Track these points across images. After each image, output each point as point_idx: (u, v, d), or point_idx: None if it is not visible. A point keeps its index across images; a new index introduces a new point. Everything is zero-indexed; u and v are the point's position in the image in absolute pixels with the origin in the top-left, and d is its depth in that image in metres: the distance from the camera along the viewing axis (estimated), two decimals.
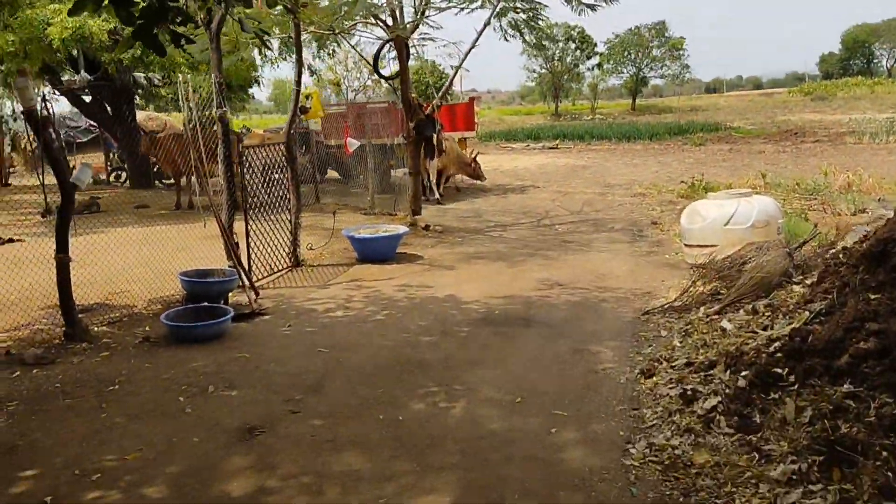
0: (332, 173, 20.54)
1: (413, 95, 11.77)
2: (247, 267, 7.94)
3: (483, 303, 7.32)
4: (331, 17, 9.66)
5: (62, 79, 17.93)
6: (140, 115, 25.43)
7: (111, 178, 21.91)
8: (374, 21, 11.08)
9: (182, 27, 4.26)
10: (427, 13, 11.24)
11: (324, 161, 20.01)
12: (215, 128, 7.77)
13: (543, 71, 63.40)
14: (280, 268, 8.73)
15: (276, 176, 9.35)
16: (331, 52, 21.36)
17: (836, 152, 23.90)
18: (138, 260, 8.64)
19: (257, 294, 7.52)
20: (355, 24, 11.34)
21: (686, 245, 8.92)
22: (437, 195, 16.39)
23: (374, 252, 9.24)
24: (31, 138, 30.74)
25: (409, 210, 12.23)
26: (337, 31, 11.41)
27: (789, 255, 6.40)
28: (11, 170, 30.85)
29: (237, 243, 7.89)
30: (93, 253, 8.00)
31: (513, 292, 7.73)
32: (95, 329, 6.45)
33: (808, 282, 5.68)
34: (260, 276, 8.28)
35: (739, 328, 5.31)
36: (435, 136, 11.99)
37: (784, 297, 5.67)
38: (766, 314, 5.36)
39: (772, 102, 65.43)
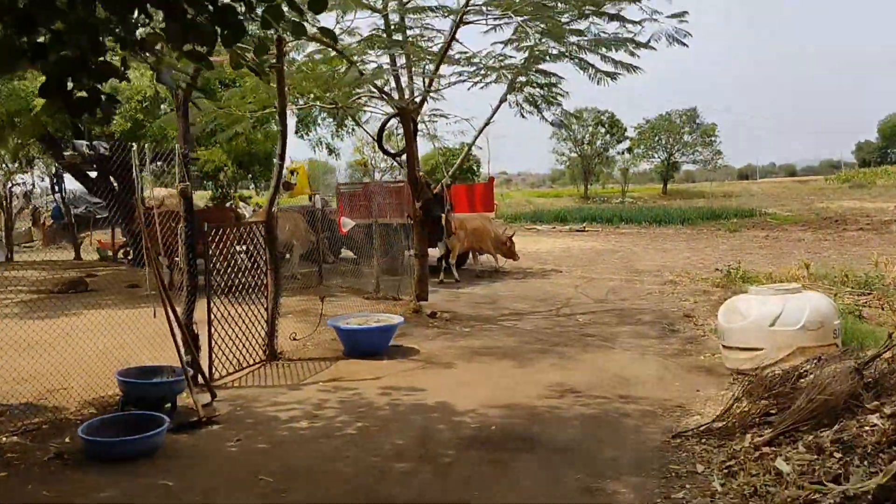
0: (347, 253, 19.75)
1: (420, 173, 10.85)
2: (208, 361, 6.84)
3: (479, 414, 6.08)
4: (323, 87, 8.85)
5: (65, 153, 17.44)
6: (163, 192, 25.00)
7: (119, 255, 21.31)
8: (377, 94, 10.27)
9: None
10: (436, 87, 10.43)
11: (337, 241, 19.19)
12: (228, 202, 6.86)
13: (573, 154, 63.15)
14: (252, 362, 7.61)
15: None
16: (350, 129, 20.78)
17: (883, 241, 22.45)
18: (97, 350, 7.53)
19: (213, 396, 6.38)
20: (359, 98, 10.54)
21: (724, 346, 7.63)
22: (454, 276, 15.37)
23: (364, 345, 8.09)
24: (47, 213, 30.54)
25: (414, 295, 11.13)
26: (340, 104, 10.63)
27: (857, 370, 5.10)
28: (29, 244, 30.68)
29: (197, 335, 6.81)
30: (51, 339, 6.99)
31: (516, 400, 6.48)
32: (3, 440, 5.34)
33: (887, 410, 4.39)
34: (224, 373, 7.16)
35: (801, 473, 4.02)
36: (443, 216, 10.98)
37: (856, 429, 4.37)
38: (836, 455, 4.06)
39: (807, 189, 64.17)
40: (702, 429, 5.46)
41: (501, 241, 16.64)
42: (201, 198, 31.40)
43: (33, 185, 29.05)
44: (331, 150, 21.48)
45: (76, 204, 32.25)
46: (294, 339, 8.56)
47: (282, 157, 7.74)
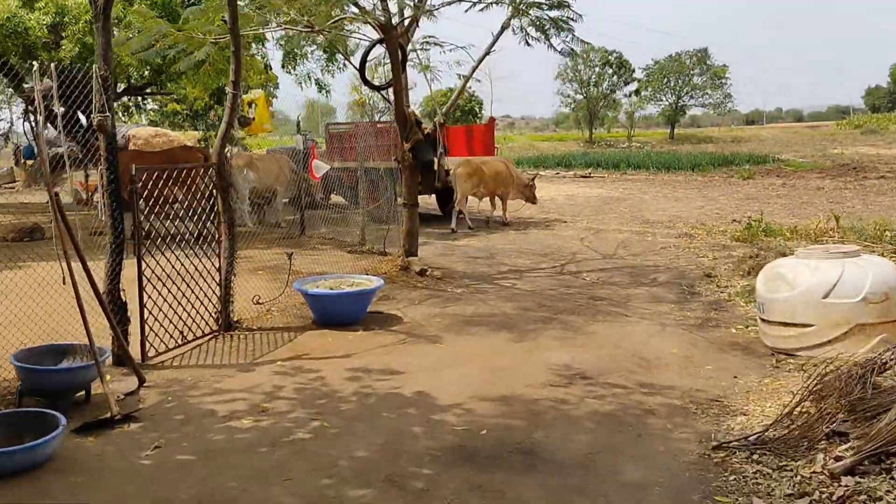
0: (338, 199, 18.47)
1: (410, 110, 9.45)
2: (141, 336, 5.62)
3: (466, 410, 4.86)
4: (295, 5, 7.41)
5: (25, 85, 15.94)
6: (147, 131, 23.57)
7: (95, 198, 20.01)
8: (359, 15, 8.80)
9: None
10: (428, 4, 8.94)
11: (328, 185, 17.87)
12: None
13: (579, 96, 61.11)
14: (200, 334, 6.38)
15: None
16: (341, 66, 19.18)
17: None
18: (18, 316, 6.27)
19: (142, 381, 5.16)
20: (338, 21, 9.07)
21: (764, 320, 6.38)
22: (454, 226, 14.16)
23: (335, 313, 6.85)
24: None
25: (403, 249, 9.88)
26: (318, 27, 9.16)
27: None
28: (11, 185, 29.32)
29: (125, 302, 5.57)
30: None
31: (513, 389, 5.26)
32: None
33: None
34: (163, 348, 5.93)
35: None
36: (436, 161, 9.61)
37: None
38: None
39: (818, 135, 62.33)
40: (752, 438, 4.25)
41: (524, 185, 15.56)
42: (191, 139, 29.91)
43: (11, 123, 27.57)
44: (320, 87, 19.93)
45: (58, 143, 30.53)
46: (258, 303, 7.32)
47: (235, 86, 6.35)
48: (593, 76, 59.03)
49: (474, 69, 9.65)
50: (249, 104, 7.43)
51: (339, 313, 6.76)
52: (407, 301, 7.98)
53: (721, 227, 14.60)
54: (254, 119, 7.42)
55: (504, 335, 6.73)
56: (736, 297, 8.50)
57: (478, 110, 59.31)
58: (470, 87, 55.69)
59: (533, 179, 15.92)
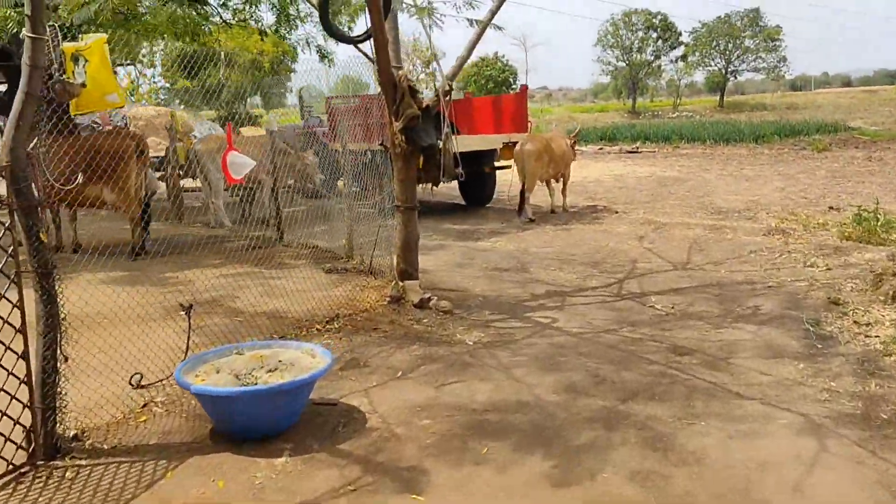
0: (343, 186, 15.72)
1: (401, 73, 6.52)
2: None
3: None
4: None
5: None
6: (148, 111, 21.03)
7: None
8: None
9: None
10: None
11: (332, 171, 15.08)
12: None
13: (620, 64, 57.14)
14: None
15: None
16: (347, 27, 16.14)
17: None
18: None
19: None
20: None
21: None
22: (528, 215, 11.90)
23: (246, 421, 3.99)
24: None
25: (397, 269, 7.01)
26: None
27: None
28: None
29: None
30: None
31: None
32: None
33: None
34: None
35: None
36: (442, 144, 6.66)
37: None
38: None
39: (879, 100, 57.42)
40: None
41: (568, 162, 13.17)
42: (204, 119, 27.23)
43: None
44: (323, 55, 16.95)
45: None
46: (139, 387, 4.52)
47: (35, 25, 3.45)
48: (636, 41, 55.01)
49: (494, 12, 6.63)
50: (76, 59, 4.53)
51: (252, 420, 3.92)
52: (384, 371, 5.07)
53: (817, 217, 11.45)
54: (83, 86, 4.46)
55: (538, 465, 3.75)
56: (894, 345, 5.53)
57: (512, 81, 55.93)
58: (503, 55, 52.21)
59: (575, 137, 13.27)
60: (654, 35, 54.67)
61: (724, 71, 58.25)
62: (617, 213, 12.78)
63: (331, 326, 5.72)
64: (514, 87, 57.39)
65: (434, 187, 8.25)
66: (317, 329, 5.67)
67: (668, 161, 22.92)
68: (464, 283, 8.06)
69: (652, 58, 56.14)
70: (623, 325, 6.37)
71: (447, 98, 6.55)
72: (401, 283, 6.84)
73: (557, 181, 13.06)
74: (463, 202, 14.66)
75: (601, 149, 28.45)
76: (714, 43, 57.69)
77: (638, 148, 27.23)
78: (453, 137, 6.63)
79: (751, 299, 7.14)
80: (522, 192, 12.20)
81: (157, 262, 8.13)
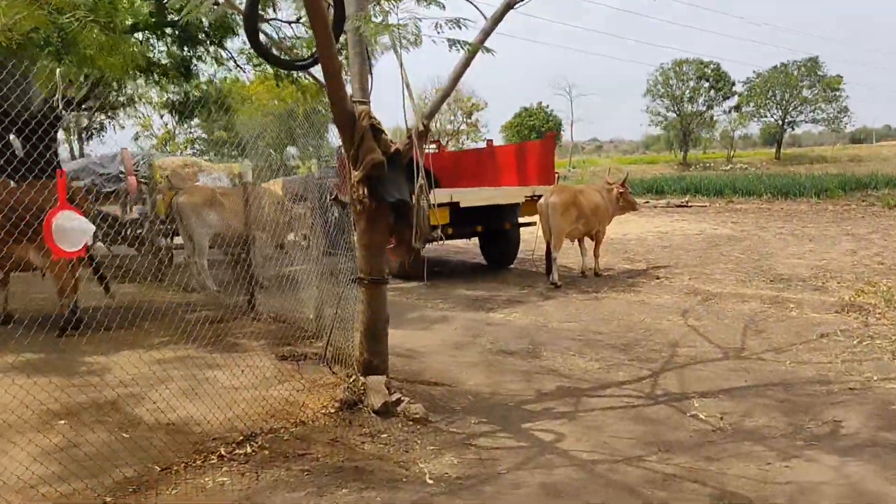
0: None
1: (363, 108, 5.06)
2: None
3: None
4: None
5: None
6: (174, 161, 20.21)
7: None
8: None
9: None
10: None
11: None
12: None
13: (671, 114, 55.35)
14: None
15: None
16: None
17: None
18: None
19: None
20: None
21: None
22: (554, 278, 10.44)
23: None
24: None
25: (359, 360, 5.45)
26: None
27: None
28: None
29: None
30: None
31: None
32: None
33: None
34: None
35: None
36: (418, 200, 5.12)
37: None
38: None
39: None
40: None
41: (617, 200, 11.58)
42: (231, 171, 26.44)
43: None
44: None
45: (80, 175, 27.66)
46: None
47: None
48: (687, 91, 53.26)
49: (483, 40, 5.16)
50: None
51: None
52: None
53: None
54: None
55: None
56: None
57: (559, 132, 54.59)
58: (547, 105, 50.91)
59: (623, 184, 11.55)
60: (707, 84, 52.88)
61: (780, 122, 55.99)
62: (658, 278, 11.03)
63: (240, 452, 4.16)
64: (559, 139, 56.07)
65: (408, 260, 6.63)
66: (220, 455, 4.12)
67: (720, 217, 21.02)
68: (456, 373, 6.45)
69: (704, 108, 54.26)
70: (652, 449, 4.67)
71: (424, 141, 5.05)
72: (361, 380, 5.26)
73: (593, 239, 11.45)
74: (484, 261, 13.13)
75: (647, 202, 26.62)
76: (770, 93, 55.63)
77: (688, 202, 25.38)
78: (428, 191, 5.07)
79: (827, 409, 5.36)
80: (549, 252, 10.61)
81: (92, 339, 6.73)
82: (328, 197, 6.31)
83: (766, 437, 4.88)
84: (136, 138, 35.12)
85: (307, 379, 5.52)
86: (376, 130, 5.06)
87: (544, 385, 6.10)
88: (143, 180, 15.75)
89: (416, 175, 5.07)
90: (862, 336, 7.36)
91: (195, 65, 10.79)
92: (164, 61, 10.36)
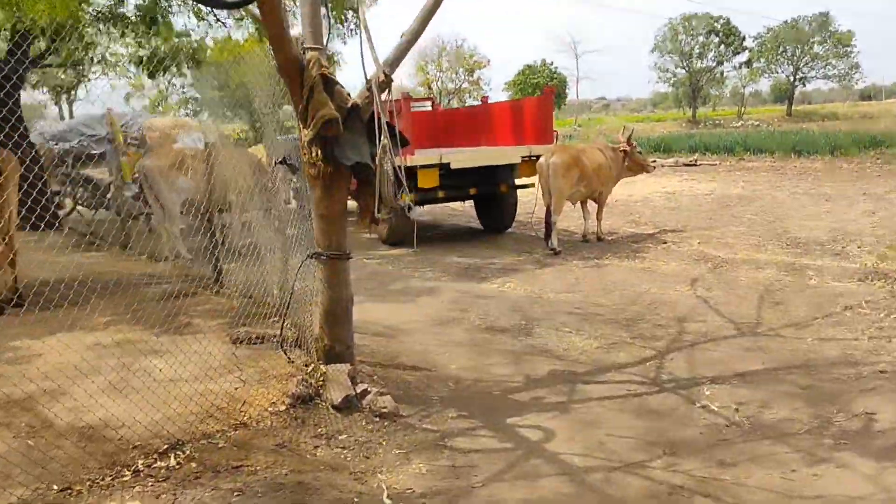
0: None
1: (312, 55, 4.27)
2: None
3: None
4: None
5: None
6: (164, 122, 19.40)
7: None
8: None
9: None
10: None
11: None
12: None
13: (680, 70, 53.86)
14: None
15: None
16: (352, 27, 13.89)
17: None
18: None
19: None
20: None
21: None
22: (553, 244, 9.65)
23: None
24: None
25: (319, 347, 4.74)
26: None
27: None
28: None
29: None
30: None
31: None
32: None
33: None
34: None
35: None
36: (382, 163, 4.34)
37: None
38: None
39: None
40: None
41: (623, 163, 10.76)
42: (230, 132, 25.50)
43: None
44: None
45: (66, 137, 26.94)
46: None
47: None
48: (696, 46, 51.71)
49: None
50: None
51: None
52: None
53: None
54: None
55: None
56: None
57: (563, 90, 53.22)
58: (551, 63, 49.59)
59: (629, 142, 10.74)
60: (716, 40, 51.30)
61: (791, 78, 54.48)
62: (665, 243, 10.27)
63: (161, 465, 3.47)
64: (564, 97, 54.67)
65: (373, 227, 5.85)
66: (136, 470, 3.43)
67: (731, 176, 20.13)
68: (437, 355, 5.76)
69: (714, 64, 52.75)
70: (656, 452, 3.97)
71: (386, 94, 4.27)
72: (322, 369, 4.56)
73: (596, 202, 10.67)
74: (480, 226, 12.38)
75: (654, 161, 25.64)
76: (781, 49, 54.03)
77: (697, 160, 24.41)
78: (393, 152, 4.29)
79: (857, 398, 4.65)
80: (548, 216, 9.85)
81: (29, 318, 6.01)
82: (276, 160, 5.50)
83: (788, 433, 4.19)
84: (127, 99, 34.26)
85: (259, 368, 4.82)
86: (329, 81, 4.27)
87: (535, 369, 5.40)
88: (133, 142, 15.02)
89: (378, 134, 4.30)
90: (889, 308, 6.63)
91: (165, 17, 9.90)
92: (129, 14, 9.52)
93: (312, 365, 4.65)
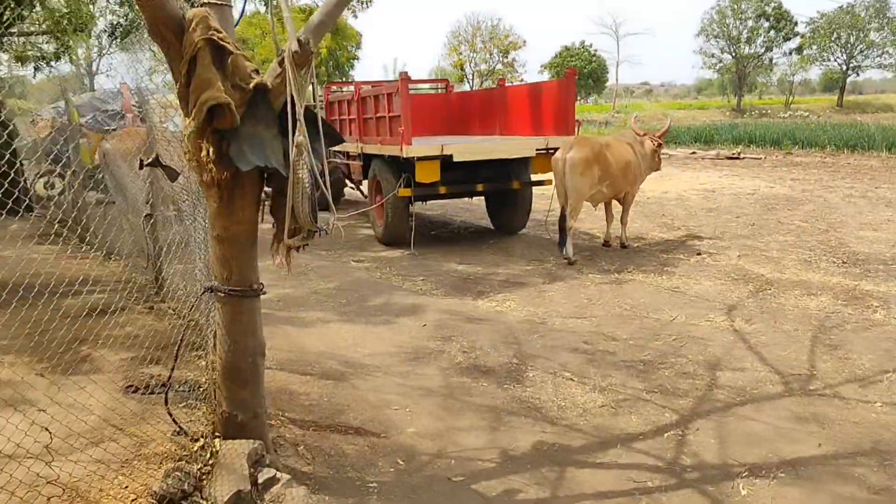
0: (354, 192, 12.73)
1: (196, 11, 3.00)
2: None
3: None
4: None
5: None
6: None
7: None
8: None
9: None
10: None
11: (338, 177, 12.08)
12: None
13: (726, 56, 51.47)
14: None
15: None
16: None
17: None
18: None
19: None
20: None
21: None
22: (567, 252, 8.40)
23: None
24: None
25: (216, 413, 3.51)
26: None
27: None
28: None
29: None
30: None
31: None
32: None
33: None
34: None
35: None
36: (293, 168, 3.10)
37: None
38: None
39: None
40: None
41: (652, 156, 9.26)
42: None
43: None
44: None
45: (81, 111, 26.11)
46: None
47: None
48: (745, 31, 49.27)
49: None
50: None
51: None
52: None
53: None
54: None
55: None
56: None
57: (600, 74, 51.25)
58: (590, 45, 47.74)
59: (662, 135, 9.32)
60: (766, 25, 48.81)
61: (844, 67, 51.76)
62: (700, 254, 8.87)
63: None
64: (604, 82, 52.71)
65: (285, 256, 4.51)
66: None
67: (777, 172, 18.46)
68: (394, 411, 4.51)
69: (762, 50, 50.27)
70: None
71: (303, 69, 2.99)
72: (215, 446, 3.35)
73: (620, 203, 9.32)
74: (490, 226, 11.09)
75: (693, 153, 23.99)
76: (834, 35, 51.31)
77: (740, 153, 22.71)
78: (310, 152, 3.02)
79: None
80: (562, 221, 8.53)
81: None
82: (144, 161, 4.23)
83: None
84: (150, 73, 33.45)
85: (139, 437, 3.62)
86: (220, 50, 3.02)
87: (517, 440, 4.13)
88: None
89: (291, 126, 3.02)
90: None
91: None
92: None
93: (203, 441, 3.44)
